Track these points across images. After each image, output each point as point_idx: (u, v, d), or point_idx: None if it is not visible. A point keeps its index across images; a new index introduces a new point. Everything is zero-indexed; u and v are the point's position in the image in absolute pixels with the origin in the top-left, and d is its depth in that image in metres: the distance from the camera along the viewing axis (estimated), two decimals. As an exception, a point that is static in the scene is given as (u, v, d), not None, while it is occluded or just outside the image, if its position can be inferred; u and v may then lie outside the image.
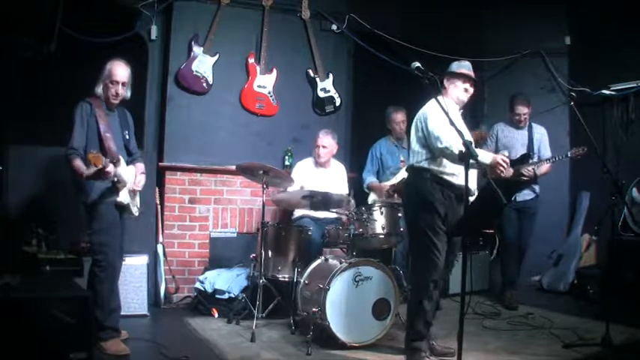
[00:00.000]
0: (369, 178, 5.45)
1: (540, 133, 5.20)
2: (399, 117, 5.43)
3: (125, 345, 3.59)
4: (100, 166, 3.37)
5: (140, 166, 3.95)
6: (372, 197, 5.38)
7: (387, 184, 5.27)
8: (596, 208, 5.88)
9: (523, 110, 5.10)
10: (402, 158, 5.34)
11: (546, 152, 5.13)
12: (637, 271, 5.01)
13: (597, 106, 6.03)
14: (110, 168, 3.47)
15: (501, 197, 2.92)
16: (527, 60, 6.26)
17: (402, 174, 5.14)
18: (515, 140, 5.15)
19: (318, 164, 5.14)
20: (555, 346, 3.93)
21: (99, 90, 3.69)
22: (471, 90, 3.67)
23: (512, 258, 5.20)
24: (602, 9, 5.82)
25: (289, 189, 4.84)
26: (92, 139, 3.60)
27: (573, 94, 5.91)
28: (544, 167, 5.03)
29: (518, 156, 4.98)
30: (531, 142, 5.14)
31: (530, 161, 4.99)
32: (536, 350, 3.85)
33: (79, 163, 3.52)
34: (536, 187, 5.15)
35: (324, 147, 5.06)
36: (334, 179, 5.17)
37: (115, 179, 3.57)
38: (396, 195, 5.16)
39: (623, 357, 3.72)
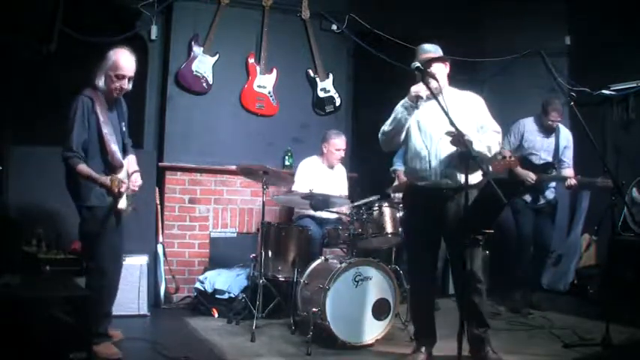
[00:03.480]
0: (398, 164, 5.35)
1: (567, 139, 5.08)
2: None
3: (118, 348, 3.49)
4: (115, 191, 3.22)
5: (132, 159, 3.68)
6: (396, 183, 5.36)
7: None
8: (596, 208, 5.87)
9: (558, 118, 4.97)
10: None
11: (569, 160, 5.05)
12: (637, 271, 5.00)
13: (597, 106, 6.02)
14: (124, 188, 3.30)
15: (501, 197, 2.92)
16: (527, 60, 6.25)
17: None
18: (540, 145, 5.02)
19: (326, 165, 5.12)
20: (555, 346, 3.93)
21: (100, 82, 3.40)
22: (434, 70, 3.34)
23: (525, 257, 5.16)
24: (602, 9, 5.81)
25: (294, 188, 4.84)
26: (92, 139, 3.39)
27: (573, 94, 5.90)
28: (572, 181, 4.88)
29: (540, 162, 4.96)
30: (557, 149, 5.02)
31: (554, 173, 4.94)
32: (536, 350, 3.85)
33: (85, 168, 3.32)
34: (553, 188, 5.11)
35: (344, 150, 5.07)
36: (338, 180, 5.17)
37: (122, 195, 3.42)
38: (394, 195, 5.16)
39: (623, 357, 3.72)
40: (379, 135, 3.53)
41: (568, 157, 5.07)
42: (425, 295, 3.60)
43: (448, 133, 3.17)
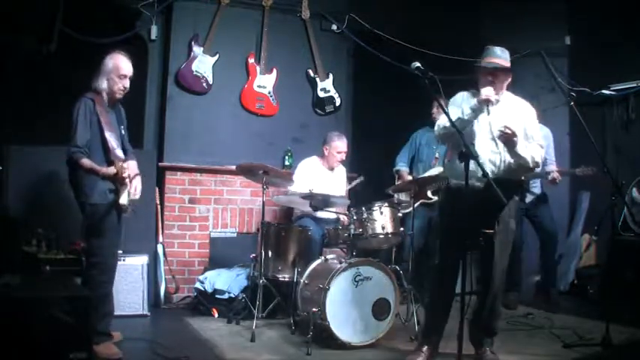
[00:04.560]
0: (400, 164, 5.39)
1: (546, 137, 5.04)
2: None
3: (117, 348, 3.52)
4: (122, 174, 3.33)
5: (133, 164, 3.76)
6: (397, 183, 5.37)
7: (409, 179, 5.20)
8: (596, 208, 5.87)
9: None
10: (436, 155, 5.25)
11: (551, 157, 5.10)
12: (637, 271, 5.00)
13: (597, 106, 6.02)
14: (126, 174, 3.41)
15: (501, 197, 2.92)
16: (527, 60, 6.25)
17: (432, 172, 5.10)
18: None
19: (325, 166, 5.11)
20: (555, 346, 3.93)
21: (102, 85, 3.55)
22: (491, 78, 3.40)
23: (516, 259, 5.19)
24: (602, 9, 5.81)
25: (292, 188, 4.83)
26: (94, 138, 3.49)
27: (573, 94, 5.90)
28: (554, 174, 4.91)
29: None
30: None
31: (536, 170, 4.97)
32: (536, 350, 3.85)
33: (88, 162, 3.42)
34: (538, 184, 5.14)
35: (345, 153, 5.06)
36: (338, 181, 5.16)
37: (127, 182, 3.50)
38: (396, 195, 5.14)
39: (623, 357, 3.72)
40: (438, 127, 3.47)
41: (550, 153, 5.10)
42: (449, 297, 3.56)
43: (504, 128, 3.22)
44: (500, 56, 3.48)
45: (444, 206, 3.73)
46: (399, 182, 5.32)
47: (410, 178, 5.24)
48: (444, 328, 3.55)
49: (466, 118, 3.37)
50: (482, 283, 3.48)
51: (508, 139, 3.27)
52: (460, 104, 3.46)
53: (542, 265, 5.27)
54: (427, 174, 5.14)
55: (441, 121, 3.45)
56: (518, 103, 3.54)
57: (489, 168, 3.34)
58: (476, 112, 3.36)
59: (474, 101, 3.33)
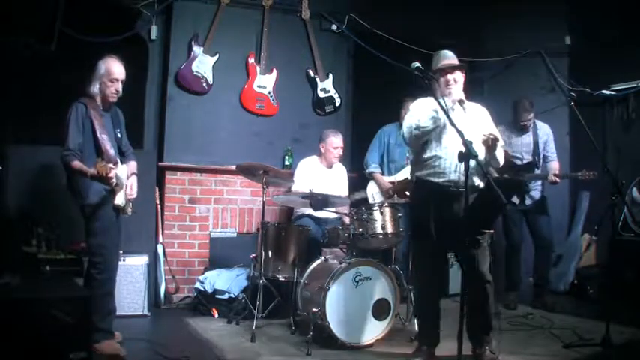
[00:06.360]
0: (373, 166, 5.35)
1: (546, 133, 5.11)
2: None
3: (120, 346, 3.55)
4: (103, 174, 3.33)
5: (132, 165, 3.84)
6: (371, 188, 5.34)
7: (389, 180, 5.23)
8: (596, 208, 5.88)
9: (529, 116, 4.99)
10: (407, 154, 5.27)
11: (552, 154, 5.10)
12: (637, 271, 5.01)
13: (597, 106, 6.02)
14: (113, 174, 3.43)
15: (501, 197, 2.92)
16: (527, 60, 6.25)
17: (405, 173, 5.11)
18: (519, 146, 5.05)
19: (325, 165, 5.12)
20: (555, 346, 3.93)
21: (94, 89, 3.61)
22: (454, 76, 3.45)
23: (516, 260, 5.19)
24: (602, 9, 5.82)
25: (293, 188, 4.84)
26: (87, 141, 3.54)
27: (573, 94, 5.91)
28: (552, 177, 4.90)
29: (523, 162, 5.00)
30: (536, 145, 5.05)
31: (537, 171, 4.98)
32: (536, 350, 3.85)
33: (79, 164, 3.46)
34: (538, 187, 5.14)
35: (342, 148, 5.07)
36: (338, 180, 5.16)
37: (114, 182, 3.52)
38: (395, 195, 5.15)
39: (623, 357, 3.73)
40: (412, 129, 3.42)
41: (551, 151, 5.10)
42: (435, 295, 3.59)
43: (485, 134, 3.30)
44: (453, 57, 3.57)
45: (420, 206, 3.58)
46: (372, 185, 5.33)
47: (386, 179, 5.24)
48: (438, 326, 3.56)
49: (440, 118, 3.39)
50: (469, 282, 3.47)
51: (493, 144, 3.34)
52: (425, 108, 3.46)
53: (535, 268, 5.26)
54: (401, 175, 5.19)
55: (411, 122, 3.44)
56: (476, 106, 3.62)
57: (458, 171, 3.38)
58: (447, 113, 3.31)
59: (439, 104, 3.22)
